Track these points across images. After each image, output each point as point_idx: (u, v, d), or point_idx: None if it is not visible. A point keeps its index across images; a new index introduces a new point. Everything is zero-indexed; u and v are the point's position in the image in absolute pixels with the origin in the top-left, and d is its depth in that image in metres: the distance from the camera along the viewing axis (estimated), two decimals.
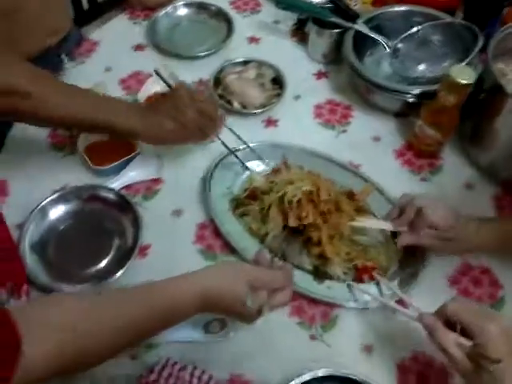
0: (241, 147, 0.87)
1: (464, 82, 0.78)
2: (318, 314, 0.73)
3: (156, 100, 0.79)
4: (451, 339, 0.56)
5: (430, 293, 0.73)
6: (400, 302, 0.69)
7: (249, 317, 0.60)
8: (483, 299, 0.75)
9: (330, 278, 0.75)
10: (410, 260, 0.77)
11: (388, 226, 0.76)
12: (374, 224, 0.78)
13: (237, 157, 0.86)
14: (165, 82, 0.83)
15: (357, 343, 0.71)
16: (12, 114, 0.68)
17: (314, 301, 0.74)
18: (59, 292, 0.71)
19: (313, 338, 0.71)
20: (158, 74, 0.83)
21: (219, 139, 0.85)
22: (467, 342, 0.55)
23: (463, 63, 0.87)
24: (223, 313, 0.62)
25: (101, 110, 0.72)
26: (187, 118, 0.76)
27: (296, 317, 0.72)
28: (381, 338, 0.71)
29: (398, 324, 0.72)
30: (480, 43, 0.91)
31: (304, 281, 0.75)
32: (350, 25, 1.00)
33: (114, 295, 0.57)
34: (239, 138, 0.87)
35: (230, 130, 0.87)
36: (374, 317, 0.73)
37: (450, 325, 0.58)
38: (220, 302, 0.58)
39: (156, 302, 0.55)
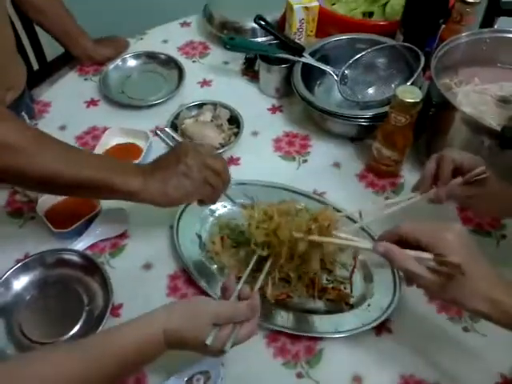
0: None
1: (411, 100, 0.80)
2: (302, 349, 0.72)
3: (159, 158, 0.73)
4: (410, 257, 0.56)
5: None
6: None
7: (213, 354, 0.60)
8: None
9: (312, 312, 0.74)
10: None
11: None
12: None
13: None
14: (168, 140, 0.79)
15: (346, 375, 0.69)
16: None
17: (296, 337, 0.72)
18: None
19: (299, 375, 0.69)
20: (158, 134, 0.80)
21: (226, 196, 0.79)
22: (427, 255, 0.55)
23: (408, 83, 0.90)
24: (190, 351, 0.62)
25: (100, 169, 0.68)
26: (193, 170, 0.70)
27: (280, 357, 0.71)
28: (368, 365, 0.70)
29: (382, 349, 0.71)
30: (422, 62, 0.94)
31: (284, 319, 0.73)
32: (296, 58, 1.03)
33: (79, 347, 0.57)
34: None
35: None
36: (359, 344, 0.72)
37: (406, 246, 0.57)
38: (183, 344, 0.59)
39: (121, 350, 0.56)
